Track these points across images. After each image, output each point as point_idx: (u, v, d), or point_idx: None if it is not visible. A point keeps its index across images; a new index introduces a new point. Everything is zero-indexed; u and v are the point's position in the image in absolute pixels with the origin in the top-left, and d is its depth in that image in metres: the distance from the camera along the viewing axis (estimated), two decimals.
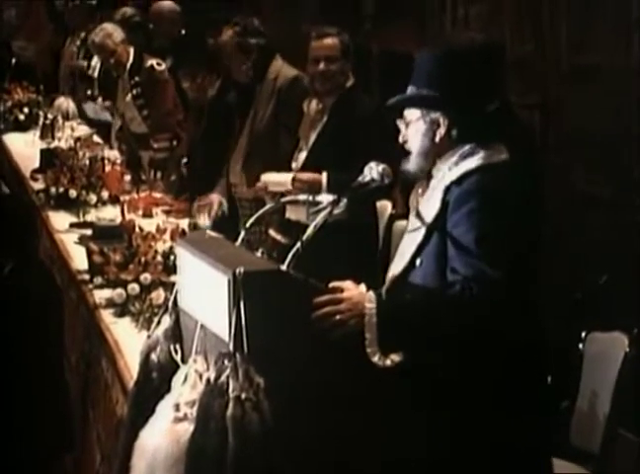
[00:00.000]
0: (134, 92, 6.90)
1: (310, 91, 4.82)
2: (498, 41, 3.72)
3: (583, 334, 3.70)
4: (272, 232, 5.00)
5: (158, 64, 6.78)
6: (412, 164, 2.90)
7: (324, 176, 4.54)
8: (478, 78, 2.85)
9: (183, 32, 7.20)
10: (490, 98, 2.87)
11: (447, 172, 2.82)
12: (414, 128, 2.88)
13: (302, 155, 4.77)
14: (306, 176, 4.63)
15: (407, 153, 2.91)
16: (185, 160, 6.16)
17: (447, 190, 2.79)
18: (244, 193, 5.35)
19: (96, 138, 7.31)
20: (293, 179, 4.66)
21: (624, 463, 3.82)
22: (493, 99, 2.87)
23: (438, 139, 2.85)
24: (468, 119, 2.83)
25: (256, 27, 5.28)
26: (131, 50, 6.94)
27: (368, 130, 4.38)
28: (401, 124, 2.91)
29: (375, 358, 2.63)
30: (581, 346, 3.67)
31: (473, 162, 2.78)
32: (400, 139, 2.92)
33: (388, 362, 2.62)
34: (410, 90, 2.90)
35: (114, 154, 6.69)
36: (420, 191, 2.94)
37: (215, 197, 5.18)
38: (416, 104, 2.88)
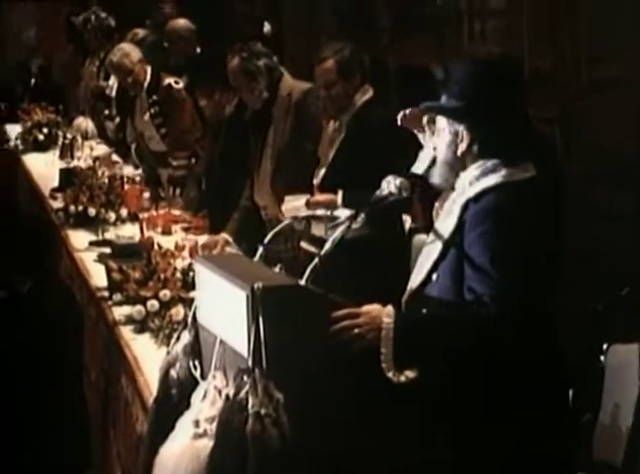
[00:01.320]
0: (152, 111, 6.93)
1: (323, 114, 4.83)
2: (521, 58, 3.73)
3: (604, 346, 3.67)
4: (304, 244, 4.96)
5: (176, 83, 6.81)
6: (436, 175, 2.90)
7: (339, 195, 4.53)
8: (504, 94, 2.84)
9: (198, 50, 7.23)
10: (516, 115, 2.86)
11: (468, 187, 2.81)
12: (440, 138, 2.88)
13: (322, 172, 4.76)
14: (322, 197, 4.62)
15: (434, 162, 2.91)
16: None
17: (465, 206, 2.79)
18: (275, 214, 5.30)
19: (115, 157, 7.35)
20: (307, 202, 4.64)
21: None
22: (518, 116, 2.86)
23: (460, 152, 2.84)
24: (491, 135, 2.81)
25: (260, 49, 5.27)
26: (149, 69, 6.97)
27: (385, 144, 4.36)
28: (429, 131, 2.91)
29: (390, 374, 2.62)
30: (602, 358, 3.65)
31: (493, 179, 2.77)
32: (431, 145, 2.92)
33: (403, 378, 2.61)
34: (443, 98, 2.91)
35: (132, 171, 6.71)
36: (442, 203, 2.93)
37: (221, 238, 5.14)
38: (440, 112, 2.88)
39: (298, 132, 5.15)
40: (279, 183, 5.24)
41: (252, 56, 5.20)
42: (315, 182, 4.77)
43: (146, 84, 6.96)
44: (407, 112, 3.14)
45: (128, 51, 7.02)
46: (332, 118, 4.75)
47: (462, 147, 2.83)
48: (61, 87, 10.10)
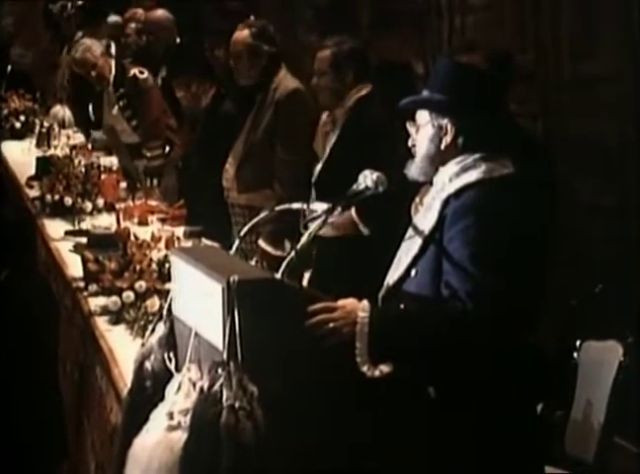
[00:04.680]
0: (121, 104, 6.93)
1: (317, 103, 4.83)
2: (509, 53, 3.75)
3: (578, 343, 3.69)
4: (261, 243, 5.01)
5: (140, 73, 6.79)
6: (415, 169, 2.90)
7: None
8: (489, 88, 2.85)
9: (177, 40, 7.22)
10: (500, 109, 2.87)
11: (448, 183, 2.81)
12: (422, 133, 2.87)
13: (318, 168, 4.75)
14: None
15: (412, 157, 2.91)
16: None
17: (446, 202, 2.79)
18: (236, 198, 5.36)
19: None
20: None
21: (619, 472, 3.82)
22: (502, 110, 2.87)
23: (443, 146, 2.84)
24: (476, 129, 2.82)
25: (271, 34, 5.26)
26: (113, 63, 6.97)
27: (379, 140, 4.34)
28: (411, 128, 2.91)
29: (364, 368, 2.62)
30: (576, 354, 3.67)
31: (473, 175, 2.78)
32: (409, 143, 2.92)
33: (377, 373, 2.62)
34: (424, 93, 2.90)
35: (110, 161, 6.70)
36: (420, 198, 2.93)
37: None
38: (425, 106, 2.87)
39: (272, 131, 5.14)
40: (244, 172, 5.26)
41: (260, 36, 5.19)
42: (312, 179, 4.75)
43: (112, 78, 6.96)
44: None
45: (90, 45, 7.05)
46: (325, 110, 4.74)
47: (446, 141, 2.83)
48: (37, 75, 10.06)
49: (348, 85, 4.60)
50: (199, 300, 2.73)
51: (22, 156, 7.42)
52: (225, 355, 2.53)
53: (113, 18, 8.33)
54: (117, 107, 6.94)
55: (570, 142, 5.19)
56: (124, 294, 4.08)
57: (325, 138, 4.74)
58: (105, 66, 6.97)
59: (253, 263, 3.18)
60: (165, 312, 2.97)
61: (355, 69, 4.61)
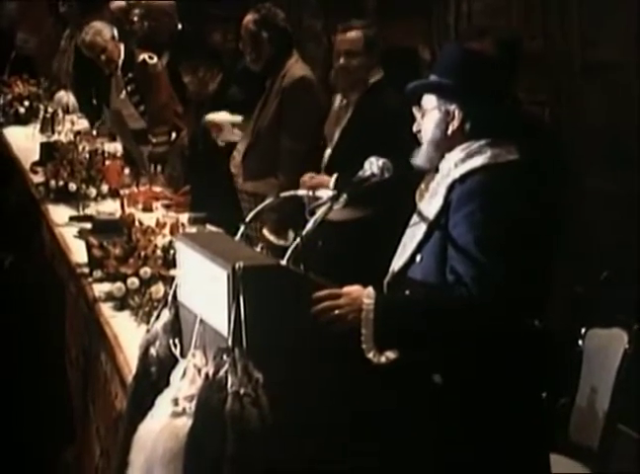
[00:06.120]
0: (129, 88, 6.92)
1: (333, 86, 4.80)
2: (519, 38, 3.73)
3: (583, 330, 3.69)
4: (265, 232, 5.00)
5: (150, 58, 6.79)
6: (421, 155, 2.89)
7: (333, 178, 4.50)
8: (497, 74, 2.85)
9: (180, 26, 7.21)
10: (507, 95, 2.86)
11: (453, 168, 2.81)
12: (429, 117, 2.86)
13: (328, 152, 4.73)
14: (315, 180, 4.58)
15: (419, 144, 2.90)
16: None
17: (451, 187, 2.78)
18: (242, 185, 5.35)
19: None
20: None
21: (623, 459, 3.82)
22: (509, 96, 2.86)
23: (450, 132, 2.83)
24: (483, 115, 2.81)
25: (275, 21, 5.22)
26: (122, 47, 6.97)
27: (392, 126, 4.32)
28: (417, 113, 2.90)
29: (370, 355, 2.62)
30: (580, 342, 3.67)
31: (479, 160, 2.77)
32: (414, 128, 2.91)
33: (383, 359, 2.62)
34: (431, 78, 2.90)
35: (114, 147, 6.69)
36: (426, 185, 2.93)
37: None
38: (431, 90, 2.87)
39: (278, 120, 5.12)
40: (250, 158, 5.24)
41: (262, 22, 5.17)
42: (322, 163, 4.73)
43: (121, 62, 6.95)
44: None
45: (100, 29, 7.03)
46: (341, 94, 4.72)
47: (453, 126, 2.83)
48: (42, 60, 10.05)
49: (372, 68, 4.59)
50: (204, 286, 2.73)
51: (26, 141, 7.41)
52: (230, 342, 2.54)
53: (116, 3, 8.31)
54: (124, 91, 6.94)
55: (579, 129, 5.17)
56: (129, 280, 4.08)
57: (337, 123, 4.72)
58: (114, 50, 6.97)
59: (258, 249, 3.17)
60: (170, 298, 2.97)
61: (379, 51, 4.62)
